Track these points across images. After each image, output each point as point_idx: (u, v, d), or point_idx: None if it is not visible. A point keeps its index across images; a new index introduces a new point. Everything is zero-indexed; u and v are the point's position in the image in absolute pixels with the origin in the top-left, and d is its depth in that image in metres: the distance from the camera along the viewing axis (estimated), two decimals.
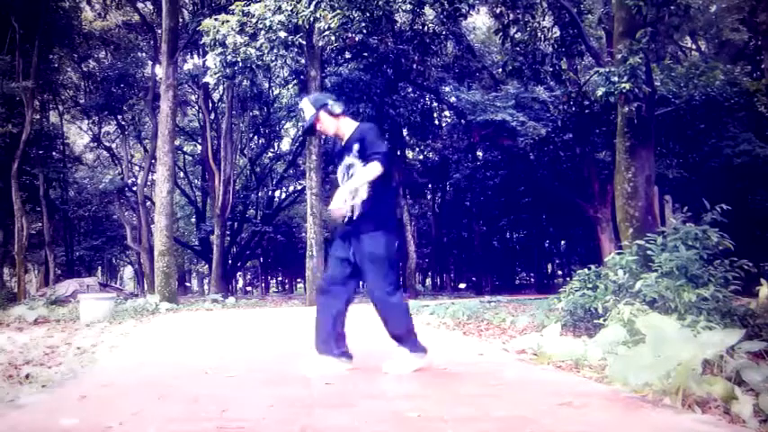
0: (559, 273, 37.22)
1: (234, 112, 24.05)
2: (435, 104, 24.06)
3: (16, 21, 18.22)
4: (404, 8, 11.58)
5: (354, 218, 3.34)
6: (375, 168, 3.22)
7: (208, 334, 6.70)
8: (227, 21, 11.05)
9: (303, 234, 28.40)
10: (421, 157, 28.76)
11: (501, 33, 12.66)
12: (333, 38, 10.33)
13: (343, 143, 3.53)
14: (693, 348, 2.79)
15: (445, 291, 30.58)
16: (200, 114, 26.02)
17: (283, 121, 28.17)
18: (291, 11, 10.49)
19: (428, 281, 38.41)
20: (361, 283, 3.52)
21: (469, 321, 7.64)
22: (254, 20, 10.84)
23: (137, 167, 30.12)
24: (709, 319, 4.50)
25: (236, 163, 26.28)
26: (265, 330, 7.09)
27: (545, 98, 17.94)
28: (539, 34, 12.58)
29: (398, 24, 16.45)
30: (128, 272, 49.34)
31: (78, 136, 31.74)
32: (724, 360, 3.12)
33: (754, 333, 4.59)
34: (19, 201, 18.13)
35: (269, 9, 10.72)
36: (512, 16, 12.55)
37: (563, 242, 33.71)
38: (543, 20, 13.48)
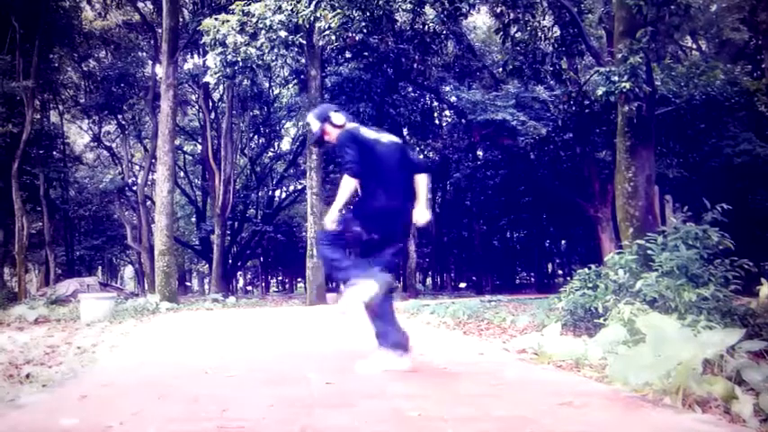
0: (560, 272, 37.19)
1: (234, 112, 24.05)
2: (436, 104, 24.06)
3: (16, 20, 18.21)
4: (404, 7, 11.56)
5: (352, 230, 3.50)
6: (344, 183, 3.40)
7: (208, 334, 6.70)
8: (228, 20, 11.04)
9: (303, 234, 28.35)
10: (421, 156, 28.74)
11: (501, 33, 12.65)
12: (333, 37, 10.31)
13: None
14: (694, 348, 2.79)
15: (445, 290, 30.56)
16: (201, 114, 26.01)
17: (283, 121, 28.19)
18: (292, 10, 10.48)
19: (428, 280, 38.39)
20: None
21: (470, 321, 7.64)
22: (254, 19, 10.83)
23: (137, 167, 30.11)
24: (710, 318, 4.50)
25: (236, 162, 26.28)
26: (266, 330, 7.09)
27: (545, 98, 17.94)
28: (539, 34, 12.57)
29: (399, 24, 16.43)
30: (128, 271, 49.34)
31: (79, 135, 31.73)
32: (724, 360, 3.12)
33: (755, 332, 4.59)
34: (19, 200, 18.13)
35: (269, 9, 10.71)
36: (512, 15, 12.54)
37: (563, 242, 33.70)
38: (543, 19, 13.47)
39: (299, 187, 30.18)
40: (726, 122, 17.16)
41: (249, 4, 10.98)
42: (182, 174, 30.47)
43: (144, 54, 25.31)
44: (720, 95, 15.60)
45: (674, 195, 7.55)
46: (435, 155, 26.37)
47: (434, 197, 30.57)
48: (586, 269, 6.29)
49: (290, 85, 21.61)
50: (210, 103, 25.63)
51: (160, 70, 19.30)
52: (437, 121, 25.61)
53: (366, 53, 17.78)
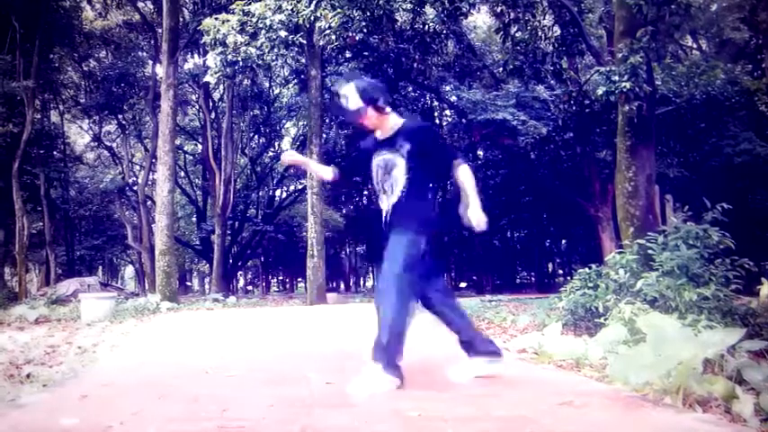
0: (560, 272, 37.18)
1: (234, 112, 24.05)
2: (436, 103, 24.06)
3: (17, 20, 18.21)
4: (404, 7, 11.56)
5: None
6: (469, 171, 3.15)
7: (208, 333, 6.70)
8: (228, 20, 11.04)
9: (304, 233, 28.34)
10: None
11: (502, 32, 12.64)
12: (333, 37, 10.31)
13: (380, 137, 3.24)
14: (694, 347, 2.79)
15: None
16: (201, 114, 26.01)
17: (284, 121, 28.20)
18: (292, 10, 10.48)
19: None
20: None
21: None
22: (254, 19, 10.82)
23: (137, 167, 30.11)
24: (710, 318, 4.50)
25: (236, 162, 26.27)
26: (266, 330, 7.09)
27: (546, 97, 17.93)
28: (539, 33, 12.56)
29: (399, 23, 16.42)
30: (128, 271, 49.34)
31: (79, 135, 31.72)
32: (725, 359, 3.12)
33: (755, 332, 4.59)
34: (20, 200, 18.13)
35: (269, 8, 10.71)
36: (512, 15, 12.53)
37: (564, 241, 33.67)
38: (544, 19, 13.46)
39: (300, 187, 30.17)
40: (726, 122, 17.16)
41: (249, 4, 10.97)
42: (182, 173, 30.47)
43: (144, 54, 25.31)
44: (721, 95, 15.59)
45: (674, 195, 7.55)
46: None
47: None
48: (587, 269, 6.28)
49: (291, 85, 21.63)
50: (211, 103, 25.64)
51: (160, 70, 19.30)
52: (437, 121, 25.60)
53: (366, 53, 17.78)
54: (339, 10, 9.84)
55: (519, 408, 2.49)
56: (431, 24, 15.72)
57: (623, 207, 8.22)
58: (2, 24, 18.57)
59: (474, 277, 31.56)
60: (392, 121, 3.20)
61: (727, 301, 4.85)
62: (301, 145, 26.64)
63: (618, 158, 8.56)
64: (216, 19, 11.19)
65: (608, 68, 8.28)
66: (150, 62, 24.85)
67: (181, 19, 18.76)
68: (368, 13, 10.16)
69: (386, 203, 3.18)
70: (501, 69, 15.95)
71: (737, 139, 16.84)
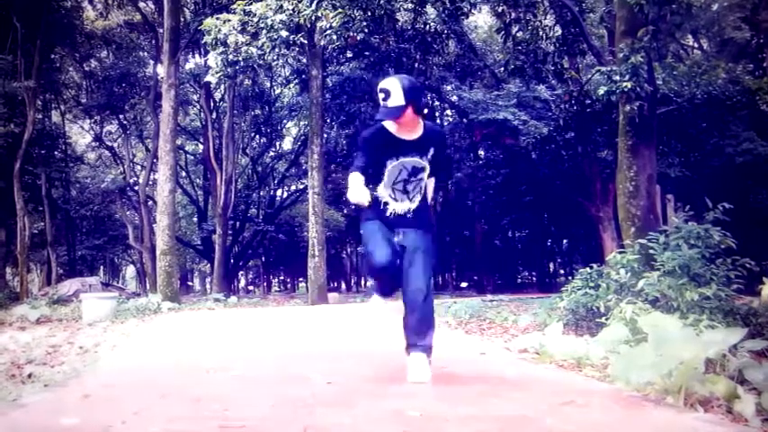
0: (561, 272, 37.18)
1: (235, 112, 24.06)
2: (437, 103, 24.05)
3: (18, 20, 18.23)
4: (405, 7, 11.58)
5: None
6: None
7: (210, 333, 6.71)
8: (229, 20, 11.05)
9: (305, 233, 28.33)
10: None
11: (502, 32, 12.64)
12: (334, 37, 10.31)
13: (405, 137, 3.11)
14: (696, 347, 2.79)
15: (447, 289, 30.54)
16: (202, 114, 26.03)
17: (285, 121, 28.19)
18: (293, 10, 10.48)
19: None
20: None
21: (471, 320, 7.64)
22: (255, 19, 10.83)
23: (138, 167, 30.15)
24: (712, 317, 4.49)
25: (237, 162, 26.30)
26: (267, 330, 7.09)
27: (547, 97, 17.92)
28: (540, 33, 12.55)
29: (400, 23, 16.44)
30: (130, 271, 49.37)
31: (80, 135, 31.76)
32: (726, 359, 3.11)
33: (757, 332, 4.59)
34: (21, 200, 18.15)
35: (270, 8, 10.71)
36: (513, 15, 12.52)
37: (565, 241, 33.66)
38: (545, 18, 13.45)
39: (301, 187, 30.19)
40: (727, 121, 17.13)
41: (250, 4, 10.98)
42: (183, 173, 30.50)
43: (145, 54, 25.34)
44: (722, 94, 15.58)
45: (675, 194, 7.56)
46: None
47: (436, 197, 30.58)
48: (588, 268, 6.27)
49: (292, 85, 21.64)
50: (212, 103, 25.65)
51: (161, 70, 19.32)
52: (438, 121, 25.60)
53: (367, 53, 17.79)
54: (340, 10, 9.84)
55: (520, 407, 2.49)
56: (432, 24, 15.75)
57: (624, 207, 8.21)
58: (3, 24, 18.60)
59: (475, 277, 31.54)
60: (420, 124, 3.15)
61: (729, 301, 4.85)
62: (302, 144, 26.66)
63: (619, 158, 8.55)
64: (217, 19, 11.20)
65: (609, 68, 8.27)
66: (151, 62, 24.89)
67: (182, 19, 18.78)
68: (369, 13, 10.16)
69: (404, 205, 3.17)
70: (502, 69, 15.94)
71: (739, 139, 16.81)
